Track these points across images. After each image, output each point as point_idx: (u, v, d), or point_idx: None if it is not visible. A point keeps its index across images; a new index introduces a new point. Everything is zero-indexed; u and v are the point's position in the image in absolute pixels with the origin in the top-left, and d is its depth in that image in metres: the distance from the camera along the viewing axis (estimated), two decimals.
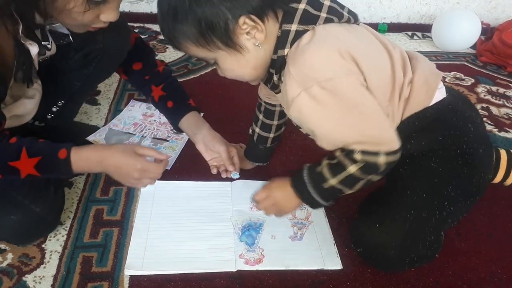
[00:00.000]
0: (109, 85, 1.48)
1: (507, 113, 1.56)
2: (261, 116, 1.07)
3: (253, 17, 0.69)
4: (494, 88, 1.73)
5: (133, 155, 0.86)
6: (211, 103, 1.43)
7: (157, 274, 0.87)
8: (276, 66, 0.75)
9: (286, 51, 0.73)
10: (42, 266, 0.86)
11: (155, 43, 1.82)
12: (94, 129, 1.25)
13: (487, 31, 2.13)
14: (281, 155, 1.23)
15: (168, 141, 1.24)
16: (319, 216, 1.04)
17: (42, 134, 0.99)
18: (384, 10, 2.22)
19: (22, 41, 0.77)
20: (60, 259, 0.88)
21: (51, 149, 0.81)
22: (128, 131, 1.27)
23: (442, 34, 2.01)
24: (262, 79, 0.83)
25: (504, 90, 1.72)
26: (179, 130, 1.15)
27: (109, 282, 0.84)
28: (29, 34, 0.79)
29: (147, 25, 1.94)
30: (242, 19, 0.69)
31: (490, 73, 1.85)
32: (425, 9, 2.24)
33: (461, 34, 1.97)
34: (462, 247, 0.98)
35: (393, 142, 0.72)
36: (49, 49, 0.86)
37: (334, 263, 0.92)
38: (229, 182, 1.11)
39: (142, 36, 1.85)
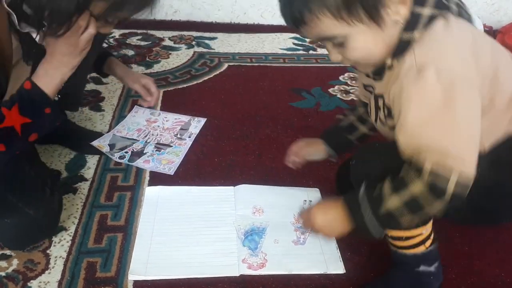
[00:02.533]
0: (113, 92, 1.50)
1: None
2: (362, 111, 0.98)
3: None
4: None
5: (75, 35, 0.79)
6: (213, 108, 1.44)
7: (160, 279, 0.87)
8: (397, 49, 0.69)
9: (416, 34, 0.67)
10: (47, 272, 0.87)
11: (158, 49, 1.83)
12: (99, 135, 1.26)
13: (490, 34, 2.12)
14: (283, 159, 1.22)
15: (171, 146, 1.25)
16: None
17: (50, 138, 1.00)
18: None
19: (21, 29, 0.78)
20: (65, 265, 0.89)
21: (18, 91, 0.79)
22: (132, 137, 1.28)
23: None
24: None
25: None
26: (104, 75, 1.30)
27: (113, 287, 0.85)
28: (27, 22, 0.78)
29: (150, 32, 1.97)
30: None
31: None
32: None
33: None
34: (466, 250, 0.98)
35: (472, 167, 0.66)
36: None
37: (336, 267, 0.92)
38: (232, 187, 1.11)
39: (146, 43, 1.89)
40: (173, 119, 1.37)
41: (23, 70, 0.86)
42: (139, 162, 1.17)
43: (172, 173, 1.15)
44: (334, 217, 0.77)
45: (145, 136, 1.28)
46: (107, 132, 1.29)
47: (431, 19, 0.67)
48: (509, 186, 0.78)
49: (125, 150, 1.22)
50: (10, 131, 0.78)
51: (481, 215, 0.85)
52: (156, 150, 1.23)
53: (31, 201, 0.88)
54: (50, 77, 0.81)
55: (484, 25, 2.06)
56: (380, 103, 0.79)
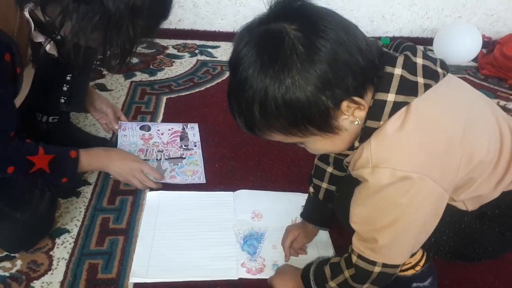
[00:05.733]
0: (117, 98, 1.52)
1: None
2: (329, 168, 0.92)
3: (356, 98, 0.60)
4: (495, 101, 1.74)
5: (136, 157, 1.07)
6: (215, 115, 1.47)
7: (161, 282, 0.89)
8: (362, 136, 0.65)
9: (380, 123, 0.63)
10: (49, 273, 0.89)
11: (162, 57, 1.86)
12: (103, 140, 1.28)
13: (489, 44, 2.15)
14: (282, 165, 1.26)
15: (184, 158, 1.25)
16: None
17: (55, 143, 1.02)
18: (387, 24, 2.25)
19: (34, 39, 0.81)
20: (67, 266, 0.91)
21: (63, 149, 0.92)
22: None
23: (443, 47, 2.04)
24: None
25: (505, 102, 1.74)
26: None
27: None
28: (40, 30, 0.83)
29: (155, 40, 2.00)
30: (345, 104, 0.60)
31: (491, 86, 1.87)
32: (427, 23, 2.27)
33: (462, 47, 1.99)
34: None
35: (400, 259, 0.70)
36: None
37: None
38: (231, 192, 1.14)
39: (150, 50, 1.92)
40: (166, 131, 1.34)
41: (28, 72, 0.89)
42: (167, 179, 1.16)
43: (205, 181, 1.17)
44: (298, 283, 0.84)
45: (152, 155, 1.25)
46: (110, 137, 1.31)
47: (396, 106, 0.62)
48: (494, 238, 0.77)
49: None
50: (30, 165, 0.85)
51: (461, 258, 0.86)
52: (173, 165, 1.22)
53: (17, 205, 0.89)
54: (96, 163, 1.01)
55: (483, 36, 2.08)
56: (347, 166, 0.76)
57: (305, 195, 1.13)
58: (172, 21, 2.10)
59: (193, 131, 1.36)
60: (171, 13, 0.87)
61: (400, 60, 0.63)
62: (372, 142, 0.63)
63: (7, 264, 0.90)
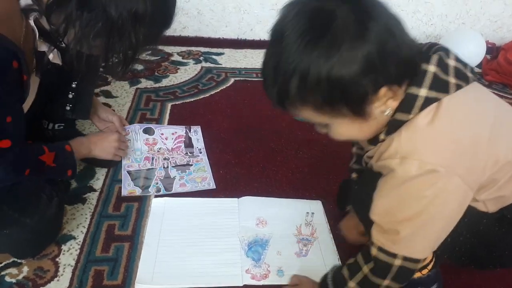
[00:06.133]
0: (122, 105, 1.54)
1: None
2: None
3: (394, 87, 0.61)
4: None
5: (109, 131, 1.18)
6: (220, 122, 1.48)
7: None
8: (389, 129, 0.67)
9: (410, 116, 0.64)
10: (56, 279, 0.90)
11: (167, 64, 1.88)
12: None
13: (493, 50, 2.15)
14: (287, 172, 1.26)
15: (191, 165, 1.26)
16: (324, 233, 1.06)
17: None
18: None
19: (38, 48, 0.83)
20: (73, 273, 0.91)
21: (58, 145, 0.96)
22: (145, 167, 1.23)
23: None
24: None
25: None
26: None
27: None
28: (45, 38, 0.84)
29: (159, 47, 2.02)
30: (383, 90, 0.61)
31: (496, 92, 1.86)
32: (430, 29, 2.28)
33: (466, 54, 1.99)
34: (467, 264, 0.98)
35: (421, 253, 0.70)
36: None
37: None
38: (236, 199, 1.14)
39: (155, 58, 1.93)
40: (170, 135, 1.34)
41: (33, 79, 0.90)
42: (176, 188, 1.16)
43: (215, 187, 1.18)
44: None
45: (158, 163, 1.25)
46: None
47: (427, 101, 0.64)
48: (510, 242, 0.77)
49: (154, 182, 1.18)
50: (41, 165, 0.89)
51: (475, 262, 0.85)
52: (181, 172, 1.22)
53: (25, 210, 0.89)
54: (82, 150, 1.06)
55: (487, 42, 2.09)
56: (367, 162, 0.77)
57: (309, 202, 1.15)
58: (177, 28, 2.12)
59: (197, 136, 1.37)
60: (175, 21, 0.88)
61: (434, 58, 0.65)
62: (403, 134, 0.65)
63: (13, 270, 0.91)
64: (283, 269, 0.96)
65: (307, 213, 1.09)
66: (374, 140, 0.70)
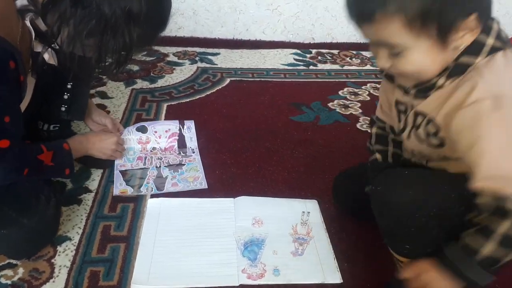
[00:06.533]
0: (118, 106, 1.54)
1: None
2: (390, 147, 0.93)
3: (477, 22, 0.65)
4: None
5: (107, 132, 1.18)
6: (215, 122, 1.48)
7: None
8: (453, 71, 0.69)
9: (477, 60, 0.67)
10: (51, 280, 0.90)
11: (162, 65, 1.88)
12: None
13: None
14: (282, 171, 1.26)
15: (184, 164, 1.26)
16: (320, 232, 1.06)
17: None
18: None
19: (34, 49, 0.83)
20: (69, 274, 0.91)
21: (56, 144, 0.97)
22: (138, 167, 1.24)
23: None
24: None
25: None
26: None
27: None
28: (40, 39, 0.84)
29: (155, 47, 2.02)
30: (472, 18, 0.64)
31: None
32: None
33: None
34: None
35: None
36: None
37: (334, 277, 0.94)
38: (232, 199, 1.14)
39: (150, 58, 1.93)
40: (163, 133, 1.33)
41: (29, 80, 0.90)
42: (168, 187, 1.16)
43: (206, 186, 1.18)
44: (443, 276, 0.73)
45: (151, 163, 1.26)
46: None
47: (493, 49, 0.67)
48: None
49: (145, 181, 1.18)
50: (40, 164, 0.90)
51: None
52: (174, 172, 1.23)
53: (24, 210, 0.89)
54: (79, 149, 1.06)
55: None
56: (419, 121, 0.77)
57: (305, 201, 1.15)
58: (172, 29, 2.12)
59: (190, 134, 1.36)
60: (170, 21, 0.88)
61: (493, 20, 0.70)
62: (486, 75, 0.66)
63: (9, 272, 0.91)
64: (279, 268, 0.96)
65: (303, 212, 1.10)
66: (426, 88, 0.73)
